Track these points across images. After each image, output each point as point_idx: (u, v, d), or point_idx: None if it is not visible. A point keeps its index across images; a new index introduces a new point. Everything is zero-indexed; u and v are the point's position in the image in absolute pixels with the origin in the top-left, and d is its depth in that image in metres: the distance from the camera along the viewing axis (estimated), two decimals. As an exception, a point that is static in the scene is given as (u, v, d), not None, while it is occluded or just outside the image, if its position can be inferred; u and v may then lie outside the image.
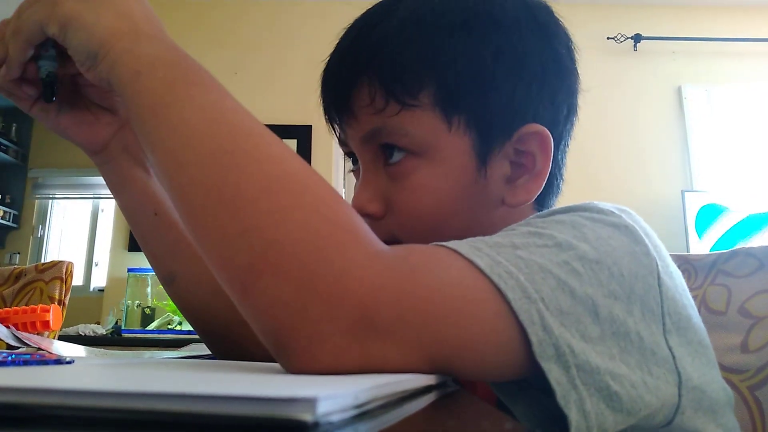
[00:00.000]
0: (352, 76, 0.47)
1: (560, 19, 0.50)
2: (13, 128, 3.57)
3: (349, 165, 0.55)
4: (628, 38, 2.88)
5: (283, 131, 2.47)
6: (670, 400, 0.35)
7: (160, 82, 0.36)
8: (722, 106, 2.86)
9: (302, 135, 2.46)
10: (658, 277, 0.37)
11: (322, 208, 0.31)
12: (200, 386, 0.19)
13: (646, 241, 0.38)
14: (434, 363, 0.31)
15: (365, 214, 0.49)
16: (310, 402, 0.16)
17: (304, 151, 2.45)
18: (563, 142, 0.51)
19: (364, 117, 0.48)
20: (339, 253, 0.29)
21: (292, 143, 2.48)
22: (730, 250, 0.68)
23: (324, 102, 0.51)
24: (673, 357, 0.36)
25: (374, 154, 0.49)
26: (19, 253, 3.52)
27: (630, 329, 0.34)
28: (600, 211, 0.39)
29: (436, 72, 0.46)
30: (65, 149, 3.88)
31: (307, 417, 0.16)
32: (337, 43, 0.50)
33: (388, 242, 0.48)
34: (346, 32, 0.50)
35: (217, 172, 0.32)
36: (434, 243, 0.35)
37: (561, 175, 0.53)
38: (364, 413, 0.19)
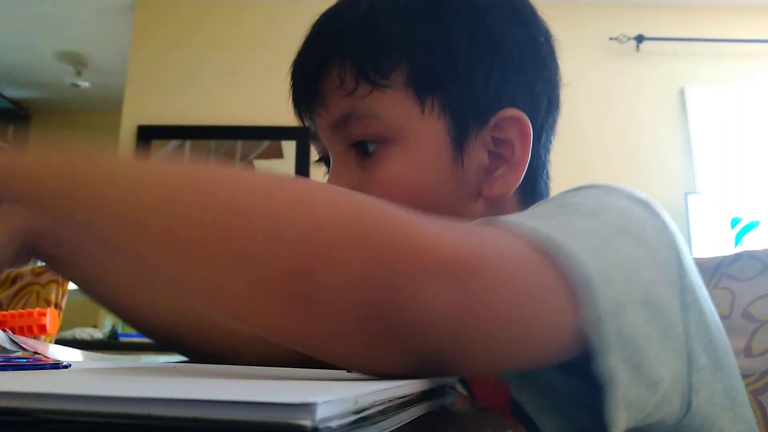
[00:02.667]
0: (321, 60, 0.45)
1: (537, 10, 0.49)
2: (10, 130, 3.57)
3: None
4: (630, 39, 2.87)
5: (282, 133, 2.47)
6: (680, 378, 0.33)
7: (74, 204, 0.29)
8: (726, 108, 2.85)
9: (302, 136, 2.45)
10: (678, 251, 0.35)
11: (368, 223, 0.27)
12: (199, 391, 0.18)
13: (663, 215, 0.37)
14: (492, 370, 0.30)
15: None
16: (310, 407, 0.16)
17: (304, 153, 2.45)
18: (545, 136, 0.49)
19: (334, 101, 0.45)
20: (401, 277, 0.25)
21: (291, 144, 2.48)
22: (734, 253, 0.68)
23: (293, 92, 0.49)
24: (687, 333, 0.34)
25: (345, 145, 0.46)
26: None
27: (660, 296, 0.33)
28: (614, 187, 0.38)
29: (408, 51, 0.44)
30: (67, 150, 3.88)
31: (306, 422, 0.16)
32: (305, 35, 0.48)
33: None
34: (313, 24, 0.48)
35: (235, 228, 0.26)
36: (495, 223, 0.32)
37: (547, 174, 0.50)
38: (363, 418, 0.19)
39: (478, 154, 0.45)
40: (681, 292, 0.35)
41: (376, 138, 0.45)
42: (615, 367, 0.29)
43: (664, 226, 0.36)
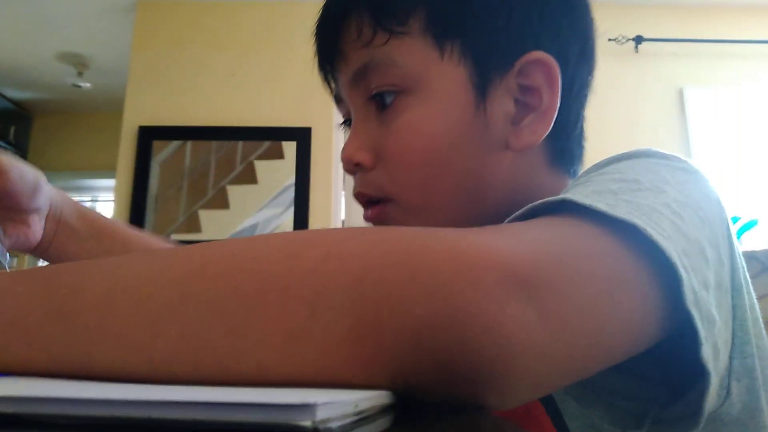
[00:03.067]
0: (341, 16, 0.45)
1: None
2: (12, 130, 3.58)
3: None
4: (629, 40, 2.87)
5: (283, 133, 2.47)
6: (724, 362, 0.31)
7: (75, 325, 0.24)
8: (725, 109, 2.86)
9: (302, 137, 2.46)
10: (728, 226, 0.34)
11: (416, 246, 0.23)
12: (198, 393, 0.18)
13: (713, 185, 0.36)
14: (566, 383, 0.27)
15: (354, 164, 0.46)
16: (310, 408, 0.16)
17: (304, 153, 2.45)
18: (577, 87, 0.46)
19: (353, 54, 0.44)
20: (473, 289, 0.22)
21: (292, 145, 2.47)
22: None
23: (317, 55, 0.48)
24: (735, 316, 0.33)
25: (365, 99, 0.45)
26: (17, 257, 3.53)
27: (723, 279, 0.31)
28: (664, 156, 0.36)
29: None
30: (63, 152, 3.89)
31: (306, 423, 0.16)
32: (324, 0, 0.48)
33: (377, 196, 0.44)
34: None
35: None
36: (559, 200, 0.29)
37: (581, 132, 0.48)
38: (364, 419, 0.19)
39: (502, 102, 0.43)
40: (732, 273, 0.33)
41: (394, 87, 0.43)
42: (707, 355, 0.27)
43: (717, 200, 0.35)
